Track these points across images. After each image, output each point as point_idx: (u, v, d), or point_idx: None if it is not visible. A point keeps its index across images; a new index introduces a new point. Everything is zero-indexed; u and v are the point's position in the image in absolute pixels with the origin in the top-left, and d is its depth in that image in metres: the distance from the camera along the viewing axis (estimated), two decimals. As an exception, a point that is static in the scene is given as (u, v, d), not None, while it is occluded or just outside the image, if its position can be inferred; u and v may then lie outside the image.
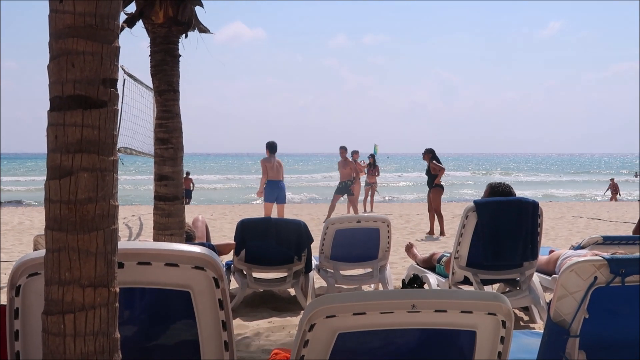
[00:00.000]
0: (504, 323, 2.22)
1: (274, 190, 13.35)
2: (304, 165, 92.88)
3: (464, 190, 44.03)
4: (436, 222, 13.97)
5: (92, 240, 1.95)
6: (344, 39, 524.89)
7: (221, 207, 22.75)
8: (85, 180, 1.94)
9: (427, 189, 14.44)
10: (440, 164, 14.12)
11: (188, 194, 28.09)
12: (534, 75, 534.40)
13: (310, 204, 27.62)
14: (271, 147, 13.45)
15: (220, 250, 5.91)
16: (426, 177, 14.41)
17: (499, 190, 5.66)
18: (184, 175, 29.11)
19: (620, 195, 31.34)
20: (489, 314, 2.20)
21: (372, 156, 17.48)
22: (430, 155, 14.18)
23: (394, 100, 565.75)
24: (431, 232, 13.78)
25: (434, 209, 13.92)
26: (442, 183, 14.18)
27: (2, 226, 13.90)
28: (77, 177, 1.94)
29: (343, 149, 16.76)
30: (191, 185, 28.55)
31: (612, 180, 31.79)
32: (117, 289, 2.03)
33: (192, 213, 9.57)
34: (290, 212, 18.27)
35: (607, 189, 31.56)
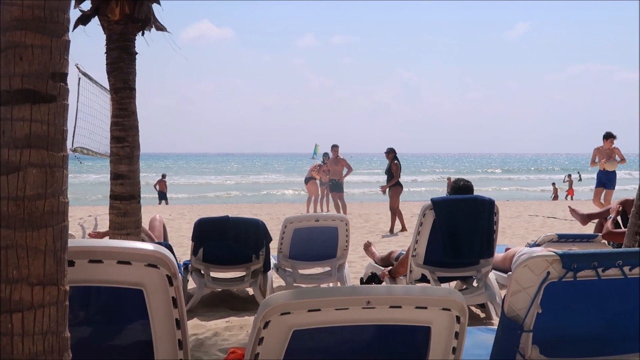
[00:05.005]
0: (458, 318, 2.24)
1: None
2: (266, 165, 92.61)
3: (423, 189, 44.16)
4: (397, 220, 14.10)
5: (41, 238, 1.91)
6: (313, 39, 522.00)
7: (179, 207, 22.50)
8: (34, 176, 1.90)
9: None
10: (399, 163, 14.34)
11: (163, 196, 27.71)
12: (497, 76, 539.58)
13: (270, 203, 27.54)
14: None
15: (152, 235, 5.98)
16: (386, 175, 14.57)
17: (459, 185, 5.75)
18: (160, 178, 28.63)
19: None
20: (443, 309, 2.22)
21: (327, 156, 17.72)
22: (393, 154, 14.38)
23: (359, 100, 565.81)
24: (391, 230, 13.87)
25: (390, 207, 14.07)
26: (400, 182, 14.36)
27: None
28: (26, 173, 1.89)
29: (335, 148, 17.63)
30: (165, 187, 28.19)
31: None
32: (68, 287, 1.98)
33: (149, 213, 9.45)
34: (249, 212, 18.20)
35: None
